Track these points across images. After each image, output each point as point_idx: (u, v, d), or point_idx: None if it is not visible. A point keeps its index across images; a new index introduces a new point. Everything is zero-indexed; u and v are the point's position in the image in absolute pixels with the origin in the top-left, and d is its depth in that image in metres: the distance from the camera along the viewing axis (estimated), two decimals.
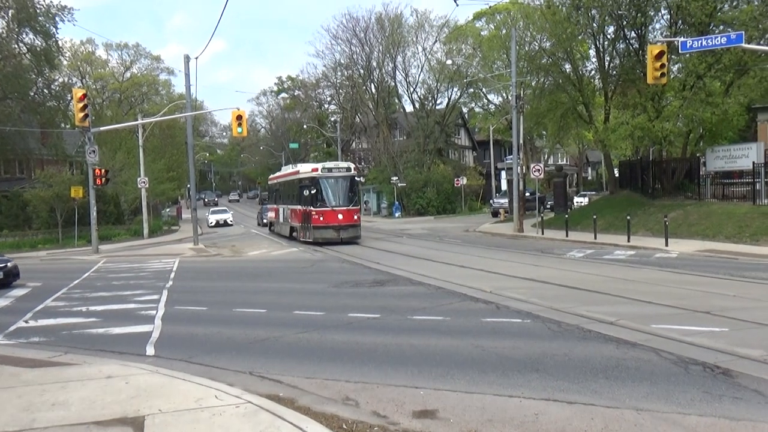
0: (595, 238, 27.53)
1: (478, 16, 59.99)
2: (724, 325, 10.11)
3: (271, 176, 46.55)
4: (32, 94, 45.02)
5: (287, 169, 39.47)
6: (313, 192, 30.26)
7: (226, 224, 57.05)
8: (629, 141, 30.36)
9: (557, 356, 8.67)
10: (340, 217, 30.05)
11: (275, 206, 41.31)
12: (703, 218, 26.69)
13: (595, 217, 29.60)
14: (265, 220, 50.35)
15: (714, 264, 18.89)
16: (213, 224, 57.16)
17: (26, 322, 12.97)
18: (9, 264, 19.16)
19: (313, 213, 30.33)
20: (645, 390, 7.10)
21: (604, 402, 6.76)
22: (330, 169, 31.09)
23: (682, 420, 6.15)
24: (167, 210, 70.82)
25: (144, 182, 41.83)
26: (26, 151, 45.34)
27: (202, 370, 8.62)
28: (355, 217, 31.12)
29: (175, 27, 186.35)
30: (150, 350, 10.11)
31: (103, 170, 32.77)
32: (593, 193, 59.11)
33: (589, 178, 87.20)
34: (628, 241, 25.52)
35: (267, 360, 9.17)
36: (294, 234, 34.32)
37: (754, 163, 27.23)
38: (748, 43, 23.44)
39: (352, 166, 32.77)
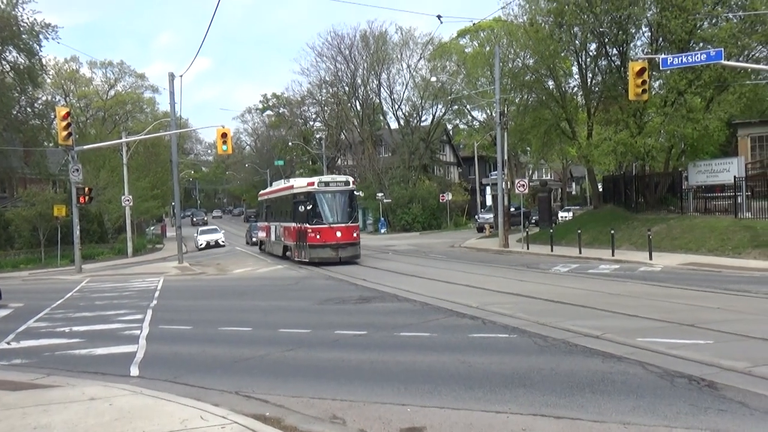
0: (580, 252, 27.67)
1: (462, 34, 60.57)
2: (709, 338, 10.16)
3: (262, 192, 44.60)
4: (15, 112, 44.71)
5: (279, 185, 37.06)
6: (309, 208, 27.67)
7: (217, 245, 52.09)
8: (612, 156, 30.58)
9: (544, 371, 8.67)
10: (339, 234, 27.56)
11: (266, 224, 38.65)
12: (686, 232, 26.93)
13: (579, 231, 29.76)
14: (254, 239, 47.95)
15: (697, 277, 19.03)
16: (203, 246, 52.09)
17: (8, 343, 12.76)
18: None
19: (309, 231, 27.76)
20: (631, 403, 7.11)
21: (590, 416, 6.75)
22: (327, 183, 28.71)
23: None
24: (152, 228, 70.29)
25: (128, 200, 41.57)
26: (8, 169, 44.91)
27: (187, 391, 8.51)
28: (355, 235, 28.61)
29: (161, 45, 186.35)
30: (134, 371, 9.97)
31: (86, 189, 32.52)
32: (578, 207, 59.47)
33: (574, 192, 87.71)
34: (613, 255, 25.68)
35: (253, 379, 9.08)
36: (288, 253, 31.80)
37: (735, 177, 27.54)
38: (728, 60, 23.83)
39: (351, 179, 30.35)
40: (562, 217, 52.29)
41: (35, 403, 7.78)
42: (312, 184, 28.56)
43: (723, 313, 12.59)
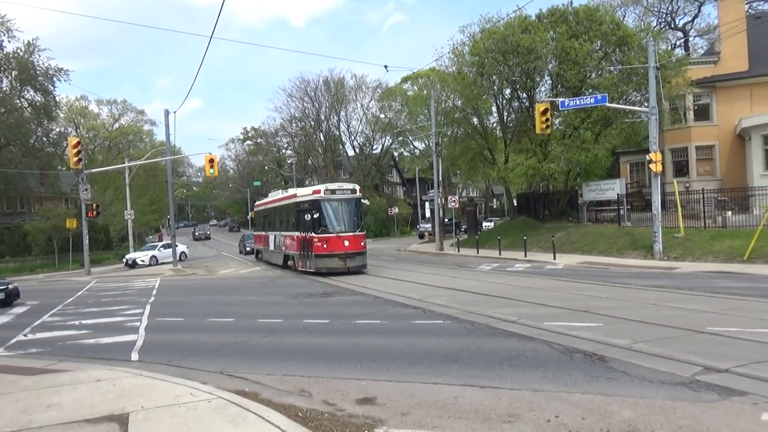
0: (500, 254, 28.03)
1: (405, 80, 61.14)
2: (600, 321, 10.38)
3: (258, 203, 37.44)
4: (32, 141, 43.21)
5: (277, 194, 31.14)
6: (315, 216, 22.51)
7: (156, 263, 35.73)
8: (524, 178, 31.17)
9: (471, 350, 8.73)
10: (347, 243, 22.29)
11: (264, 233, 32.37)
12: (581, 237, 27.58)
13: (499, 237, 30.19)
14: (248, 248, 41.68)
15: (591, 273, 19.46)
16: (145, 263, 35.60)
17: (25, 335, 12.22)
18: (10, 286, 18.23)
19: (315, 240, 22.51)
20: (540, 374, 7.21)
21: (508, 385, 6.82)
22: (333, 191, 23.19)
23: (568, 397, 6.26)
24: (150, 237, 68.34)
25: (130, 215, 40.45)
26: (26, 189, 43.38)
27: (179, 372, 8.28)
28: (362, 244, 23.14)
29: (159, 87, 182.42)
30: (134, 356, 9.66)
31: (94, 205, 31.48)
32: (498, 218, 60.10)
33: (495, 206, 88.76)
34: (525, 256, 26.09)
35: (235, 361, 8.89)
36: (290, 263, 26.12)
37: (618, 194, 28.39)
38: (611, 103, 24.66)
39: (358, 187, 24.37)
40: (485, 226, 52.81)
41: (48, 385, 7.45)
42: (318, 192, 23.26)
43: (610, 301, 12.91)
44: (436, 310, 12.64)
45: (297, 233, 24.10)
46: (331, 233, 22.34)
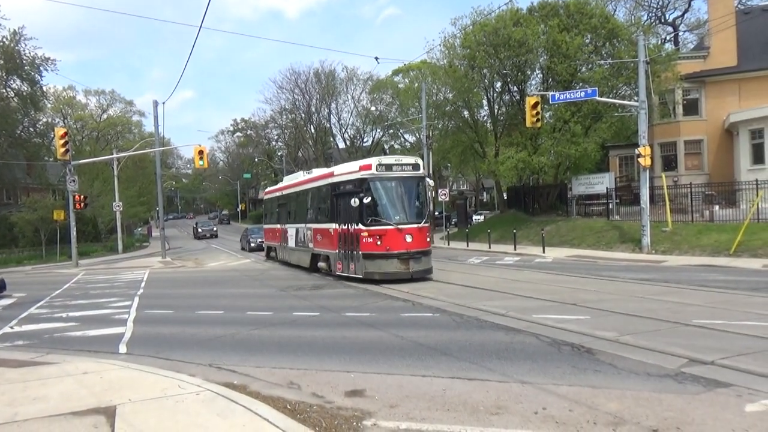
0: (490, 247, 28.13)
1: (396, 73, 60.82)
2: (587, 314, 10.46)
3: (271, 188, 30.77)
4: (19, 131, 42.61)
5: (296, 177, 24.61)
6: (365, 201, 16.36)
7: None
8: (514, 171, 31.26)
9: (460, 342, 8.76)
10: (409, 239, 16.17)
11: (278, 226, 25.74)
12: (570, 231, 27.74)
13: (489, 231, 30.28)
14: (252, 244, 36.10)
15: (579, 266, 19.59)
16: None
17: (11, 327, 12.08)
18: None
19: (364, 234, 16.44)
20: (528, 367, 7.25)
21: (496, 377, 6.85)
22: (390, 166, 16.82)
23: (556, 389, 6.30)
24: (139, 229, 67.97)
25: (118, 206, 40.18)
26: (13, 180, 42.89)
27: (167, 364, 8.23)
28: (428, 240, 17.20)
29: (152, 79, 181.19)
30: (122, 348, 9.59)
31: (82, 196, 31.18)
32: (488, 212, 60.18)
33: (485, 200, 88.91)
34: (515, 249, 26.21)
35: (224, 353, 8.85)
36: (321, 265, 19.71)
37: (607, 188, 28.59)
38: (601, 97, 24.74)
39: (421, 161, 17.85)
40: (475, 219, 52.88)
41: (35, 378, 7.38)
42: (367, 167, 16.83)
43: (598, 294, 12.99)
44: (425, 303, 12.67)
45: (334, 225, 18.06)
46: (388, 225, 16.22)
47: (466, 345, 8.57)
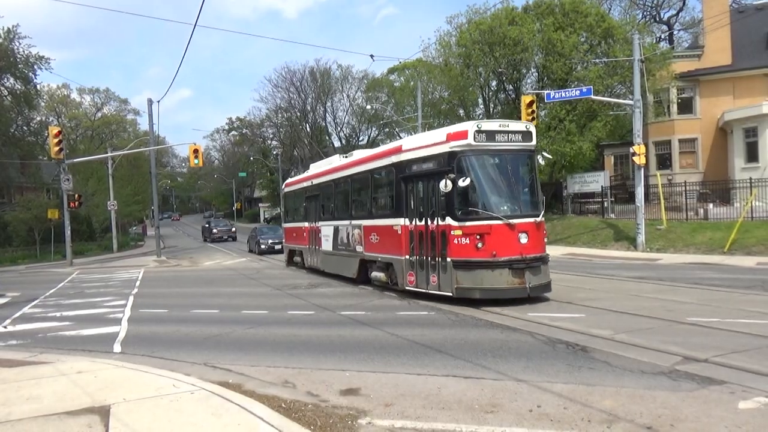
0: None
1: (391, 71, 60.93)
2: (582, 312, 10.48)
3: (294, 179, 24.71)
4: (12, 130, 42.40)
5: (332, 162, 19.33)
6: (461, 185, 11.41)
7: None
8: None
9: (456, 340, 8.76)
10: (524, 240, 11.43)
11: (307, 225, 20.49)
12: (565, 229, 27.81)
13: None
14: (263, 246, 31.74)
15: (575, 264, 19.63)
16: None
17: (5, 327, 12.02)
18: None
19: (455, 233, 11.59)
20: (523, 365, 7.25)
21: (491, 375, 6.85)
22: (493, 134, 11.82)
23: (551, 387, 6.31)
24: (134, 228, 67.71)
25: (113, 205, 39.99)
26: (7, 179, 42.58)
27: (162, 363, 8.21)
28: (545, 241, 12.51)
29: (148, 77, 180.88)
30: (117, 348, 9.56)
31: (76, 195, 31.05)
32: None
33: None
34: None
35: (219, 352, 8.84)
36: (376, 274, 14.80)
37: (602, 187, 28.68)
38: (596, 95, 24.79)
39: (533, 128, 12.48)
40: None
41: (28, 377, 7.35)
42: (460, 135, 11.73)
43: (593, 292, 13.02)
44: (421, 301, 12.62)
45: (402, 221, 13.14)
46: (494, 219, 11.36)
47: (462, 343, 8.57)
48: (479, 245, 11.34)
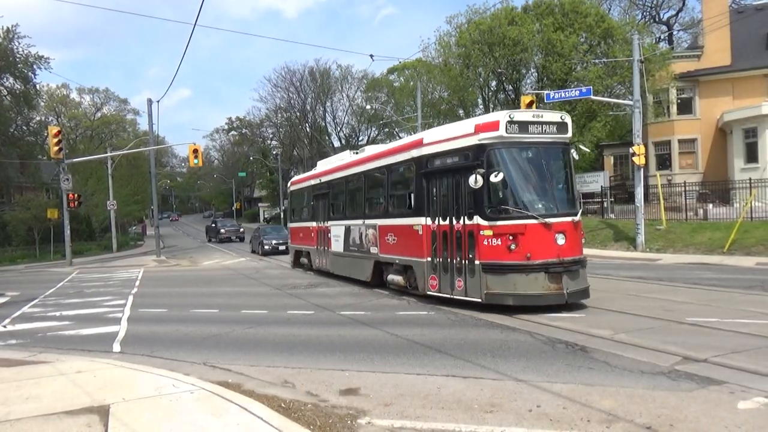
0: None
1: (391, 71, 60.94)
2: (582, 312, 10.49)
3: (301, 177, 23.41)
4: (12, 130, 42.40)
5: (344, 158, 18.07)
6: (494, 179, 10.23)
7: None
8: None
9: (455, 340, 8.76)
10: (561, 241, 10.43)
11: (314, 225, 19.43)
12: None
13: None
14: (267, 246, 30.79)
15: None
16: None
17: (4, 326, 12.01)
18: None
19: (485, 233, 10.53)
20: (522, 365, 7.25)
21: (491, 375, 6.85)
22: (526, 126, 10.73)
23: (550, 387, 6.31)
24: (133, 228, 67.68)
25: (113, 205, 39.99)
26: (6, 179, 42.61)
27: (162, 363, 8.20)
28: (583, 242, 11.69)
29: (150, 78, 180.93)
30: (116, 347, 9.55)
31: (76, 195, 31.03)
32: None
33: None
34: None
35: (219, 352, 8.83)
36: (396, 278, 13.68)
37: (602, 187, 28.68)
38: (595, 96, 24.80)
39: (569, 119, 11.37)
40: None
41: (28, 377, 7.34)
42: (491, 126, 10.69)
43: (592, 292, 12.87)
44: (421, 301, 12.64)
45: (423, 220, 12.12)
46: (528, 218, 10.39)
47: (461, 343, 8.57)
48: (512, 247, 10.30)
